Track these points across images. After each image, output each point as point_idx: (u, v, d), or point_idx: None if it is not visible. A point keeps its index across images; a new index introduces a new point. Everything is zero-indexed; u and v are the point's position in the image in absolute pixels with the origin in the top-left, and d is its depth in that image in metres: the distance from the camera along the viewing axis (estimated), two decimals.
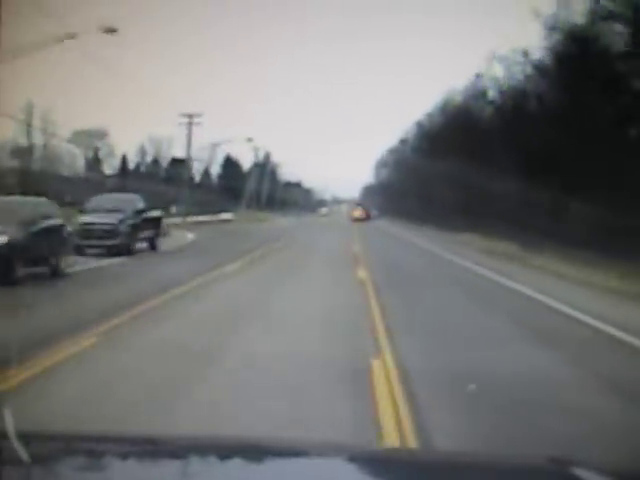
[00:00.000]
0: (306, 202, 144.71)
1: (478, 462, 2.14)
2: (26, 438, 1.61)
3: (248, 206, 78.13)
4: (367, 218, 74.97)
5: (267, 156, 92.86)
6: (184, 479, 1.81)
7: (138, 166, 71.18)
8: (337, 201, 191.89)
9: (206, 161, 73.70)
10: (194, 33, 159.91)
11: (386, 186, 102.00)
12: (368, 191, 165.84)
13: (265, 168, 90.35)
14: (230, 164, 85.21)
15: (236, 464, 1.93)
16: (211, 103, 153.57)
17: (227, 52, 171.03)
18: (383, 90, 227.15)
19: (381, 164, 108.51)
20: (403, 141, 76.31)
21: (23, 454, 1.55)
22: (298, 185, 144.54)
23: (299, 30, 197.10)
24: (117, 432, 3.94)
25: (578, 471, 1.81)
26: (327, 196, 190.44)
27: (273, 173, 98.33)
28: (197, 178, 79.52)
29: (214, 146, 64.72)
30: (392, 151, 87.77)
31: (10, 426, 1.62)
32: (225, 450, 2.02)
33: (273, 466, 1.93)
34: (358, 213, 76.63)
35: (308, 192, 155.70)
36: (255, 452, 2.02)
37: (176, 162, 70.84)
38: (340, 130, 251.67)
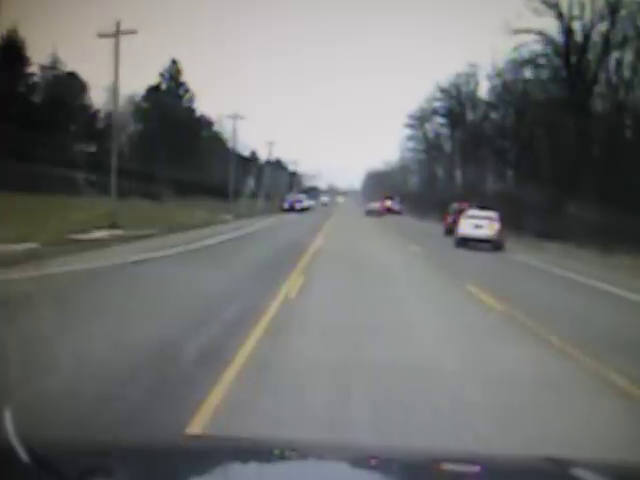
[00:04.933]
0: (289, 189, 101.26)
1: (476, 462, 2.17)
2: (26, 439, 1.54)
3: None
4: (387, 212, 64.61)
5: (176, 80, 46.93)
6: None
7: None
8: (334, 191, 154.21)
9: None
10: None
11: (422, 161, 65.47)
12: (374, 180, 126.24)
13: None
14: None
15: (236, 465, 1.94)
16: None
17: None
18: (376, 89, 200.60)
19: (416, 122, 67.91)
20: None
21: (23, 455, 1.49)
22: (279, 165, 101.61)
23: (291, 28, 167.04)
24: (120, 435, 3.56)
25: (576, 471, 1.83)
26: (322, 184, 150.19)
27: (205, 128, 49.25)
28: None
29: None
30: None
31: (10, 427, 1.55)
32: (229, 451, 2.03)
33: (272, 467, 1.95)
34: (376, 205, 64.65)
35: (293, 175, 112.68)
36: (255, 453, 2.02)
37: None
38: (336, 126, 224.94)
